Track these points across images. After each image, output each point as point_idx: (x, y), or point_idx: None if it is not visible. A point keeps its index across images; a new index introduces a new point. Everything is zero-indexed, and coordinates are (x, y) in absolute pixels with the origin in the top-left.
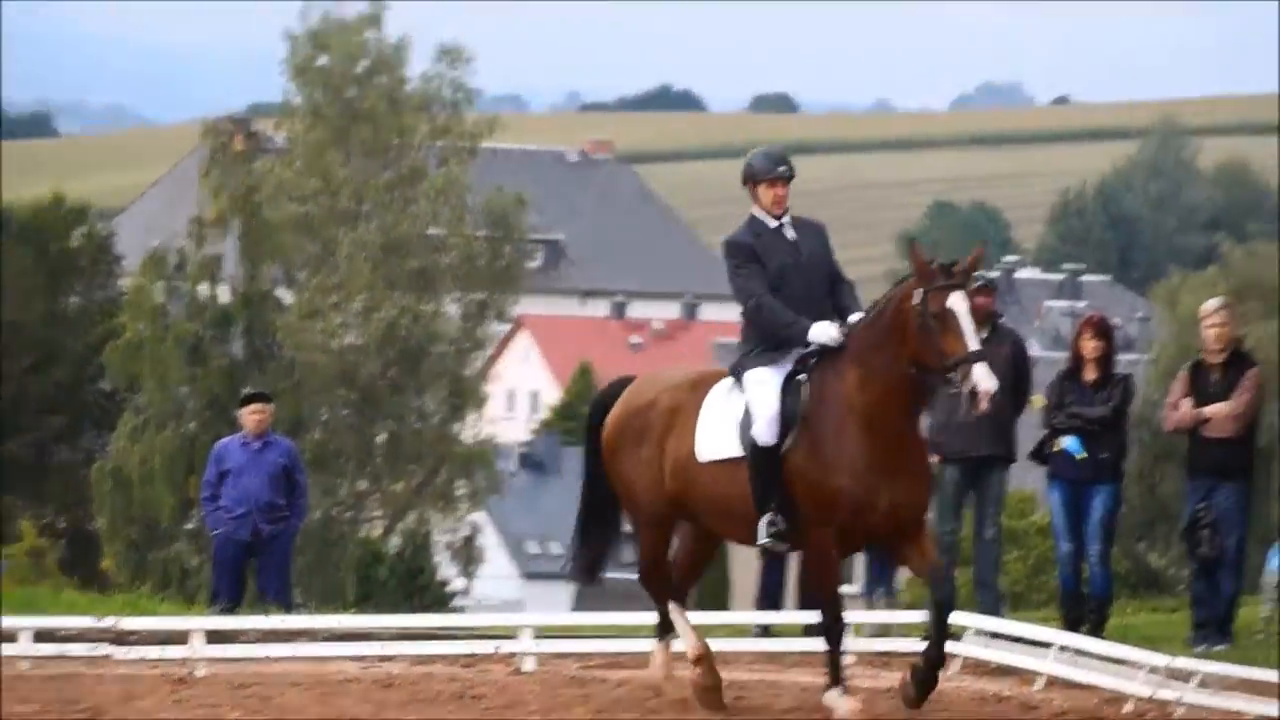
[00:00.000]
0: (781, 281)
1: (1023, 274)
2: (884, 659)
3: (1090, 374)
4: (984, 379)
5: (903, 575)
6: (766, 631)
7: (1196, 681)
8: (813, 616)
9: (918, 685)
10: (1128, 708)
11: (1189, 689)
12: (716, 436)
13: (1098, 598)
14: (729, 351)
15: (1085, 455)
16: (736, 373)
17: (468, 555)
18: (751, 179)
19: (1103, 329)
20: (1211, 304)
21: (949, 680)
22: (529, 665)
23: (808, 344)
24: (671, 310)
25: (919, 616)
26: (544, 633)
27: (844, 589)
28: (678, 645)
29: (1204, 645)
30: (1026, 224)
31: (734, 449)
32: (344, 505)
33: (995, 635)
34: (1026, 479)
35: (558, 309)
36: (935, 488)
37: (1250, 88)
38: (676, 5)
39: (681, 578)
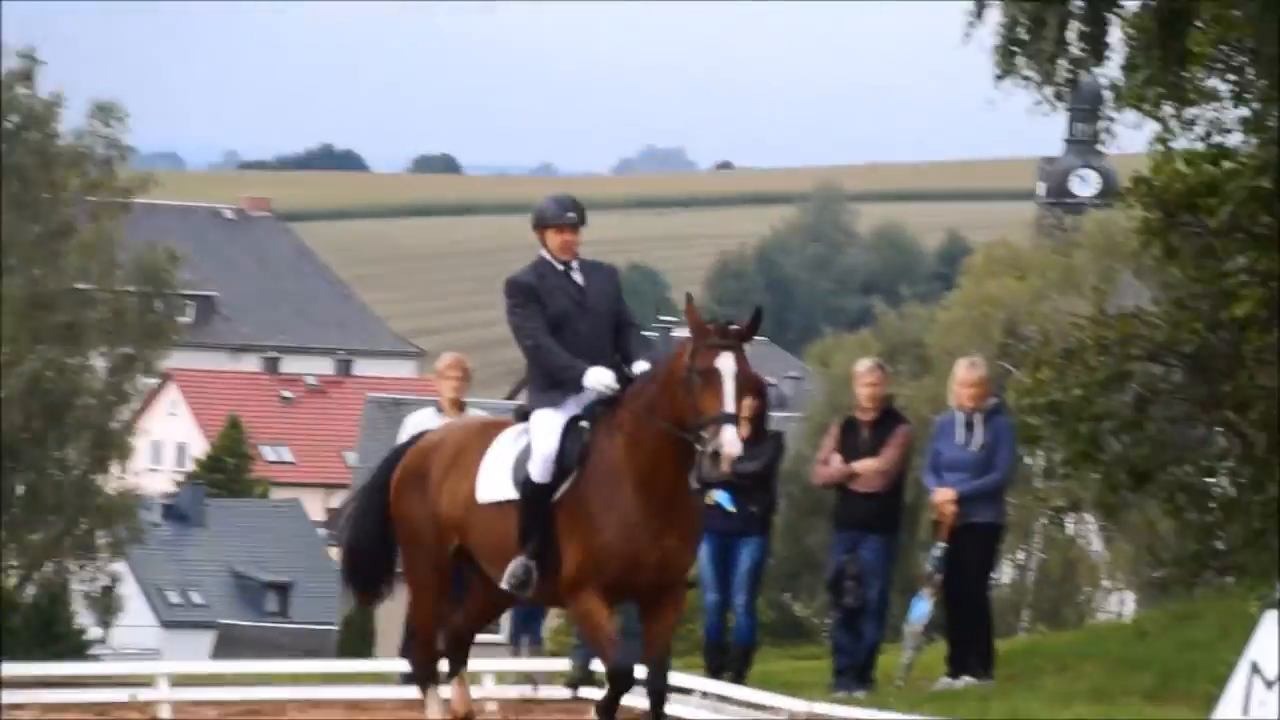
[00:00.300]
0: (563, 323)
1: (679, 333)
2: (527, 706)
3: (744, 430)
4: (729, 442)
5: (548, 624)
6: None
7: None
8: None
9: None
10: None
11: None
12: (497, 478)
13: (742, 645)
14: (382, 406)
15: (735, 510)
16: (524, 414)
17: (106, 604)
18: (541, 224)
19: (757, 388)
20: (864, 364)
21: None
22: (165, 713)
23: (582, 389)
24: (325, 366)
25: (563, 665)
26: (181, 680)
27: (489, 637)
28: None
29: (843, 691)
30: (685, 285)
31: (511, 491)
32: None
33: (639, 682)
34: None
35: (209, 363)
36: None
37: (907, 156)
38: (339, 65)
39: (459, 638)
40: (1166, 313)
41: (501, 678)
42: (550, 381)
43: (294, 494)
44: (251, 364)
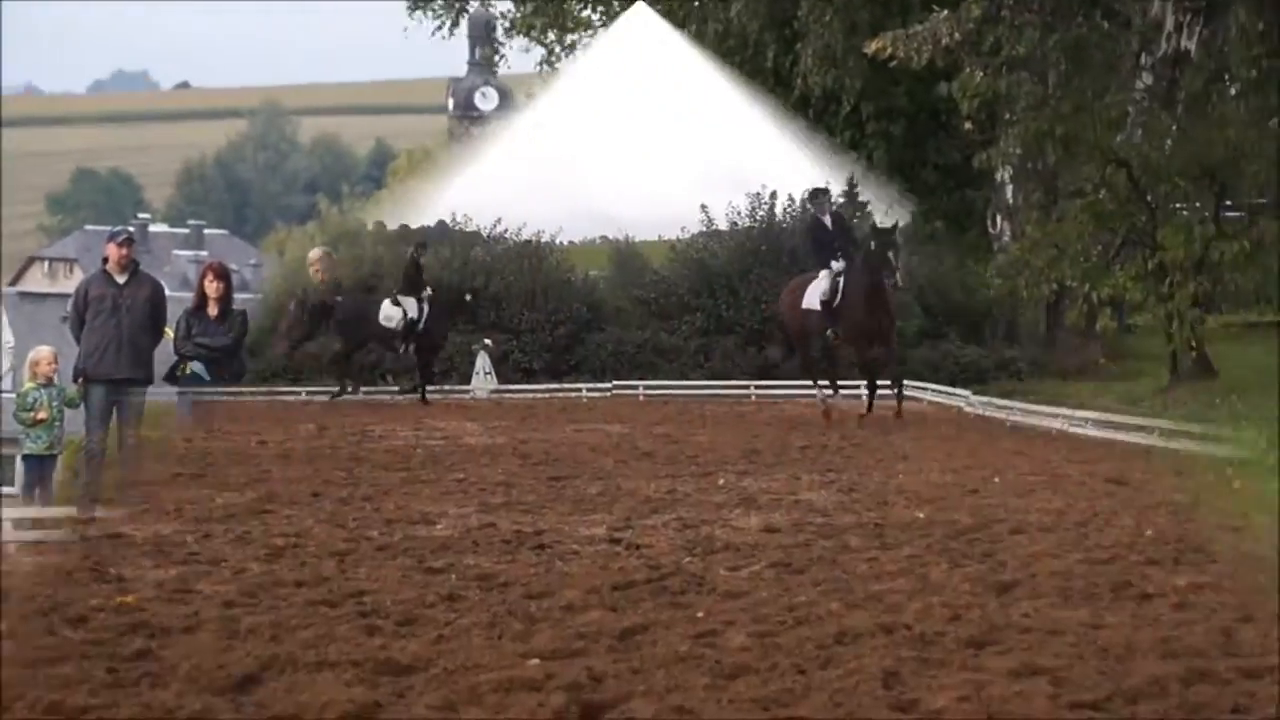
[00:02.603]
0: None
1: (155, 229)
2: (36, 548)
3: (213, 310)
4: None
5: (58, 477)
6: None
7: None
8: None
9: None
10: None
11: None
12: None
13: None
14: None
15: (210, 378)
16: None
17: None
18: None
19: (222, 273)
20: (315, 253)
21: None
22: None
23: None
24: None
25: (70, 510)
26: None
27: (6, 490)
28: None
29: None
30: (156, 188)
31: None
32: None
33: None
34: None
35: None
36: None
37: (344, 76)
38: None
39: None
40: None
41: (18, 524)
42: None
43: None
44: None
